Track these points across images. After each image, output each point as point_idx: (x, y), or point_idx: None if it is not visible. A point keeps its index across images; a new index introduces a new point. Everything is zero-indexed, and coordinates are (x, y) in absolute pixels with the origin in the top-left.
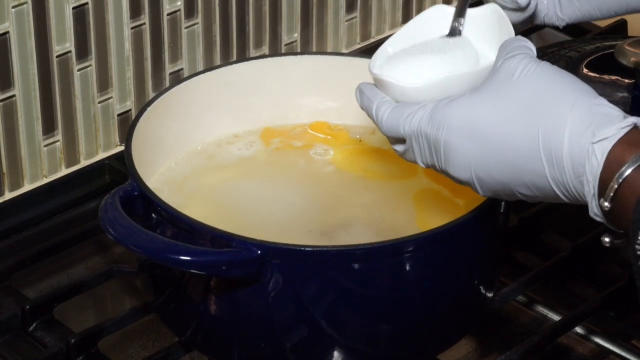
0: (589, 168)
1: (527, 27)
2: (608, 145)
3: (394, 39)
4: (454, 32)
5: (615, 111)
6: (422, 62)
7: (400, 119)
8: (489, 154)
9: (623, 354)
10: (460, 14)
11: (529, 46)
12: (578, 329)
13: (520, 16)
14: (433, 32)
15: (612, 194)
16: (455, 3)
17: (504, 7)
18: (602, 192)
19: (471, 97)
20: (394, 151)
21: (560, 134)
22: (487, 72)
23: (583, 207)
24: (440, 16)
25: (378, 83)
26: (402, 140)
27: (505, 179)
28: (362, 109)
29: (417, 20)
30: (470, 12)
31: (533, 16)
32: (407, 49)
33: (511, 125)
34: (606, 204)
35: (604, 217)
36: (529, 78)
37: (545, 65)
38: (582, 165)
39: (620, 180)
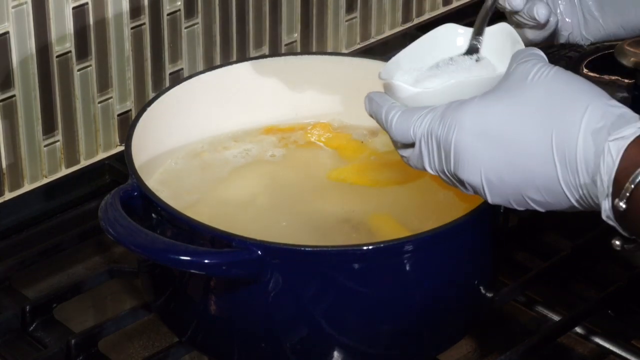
0: (603, 167)
1: (548, 45)
2: (624, 144)
3: (404, 53)
4: (472, 50)
5: (630, 112)
6: (434, 72)
7: (410, 121)
8: (500, 155)
9: (623, 354)
10: (479, 32)
11: (541, 54)
12: (578, 329)
13: (540, 34)
14: (443, 50)
15: (628, 194)
16: (462, 21)
17: (523, 25)
18: (616, 193)
19: (484, 98)
20: (401, 158)
21: (574, 134)
22: (500, 79)
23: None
24: (451, 34)
25: (388, 89)
26: (409, 145)
27: (515, 182)
28: (371, 115)
29: (427, 38)
30: None
31: (557, 35)
32: (419, 63)
33: (524, 126)
34: (621, 204)
35: (616, 220)
36: (543, 80)
37: (559, 69)
38: (597, 165)
39: (637, 181)
